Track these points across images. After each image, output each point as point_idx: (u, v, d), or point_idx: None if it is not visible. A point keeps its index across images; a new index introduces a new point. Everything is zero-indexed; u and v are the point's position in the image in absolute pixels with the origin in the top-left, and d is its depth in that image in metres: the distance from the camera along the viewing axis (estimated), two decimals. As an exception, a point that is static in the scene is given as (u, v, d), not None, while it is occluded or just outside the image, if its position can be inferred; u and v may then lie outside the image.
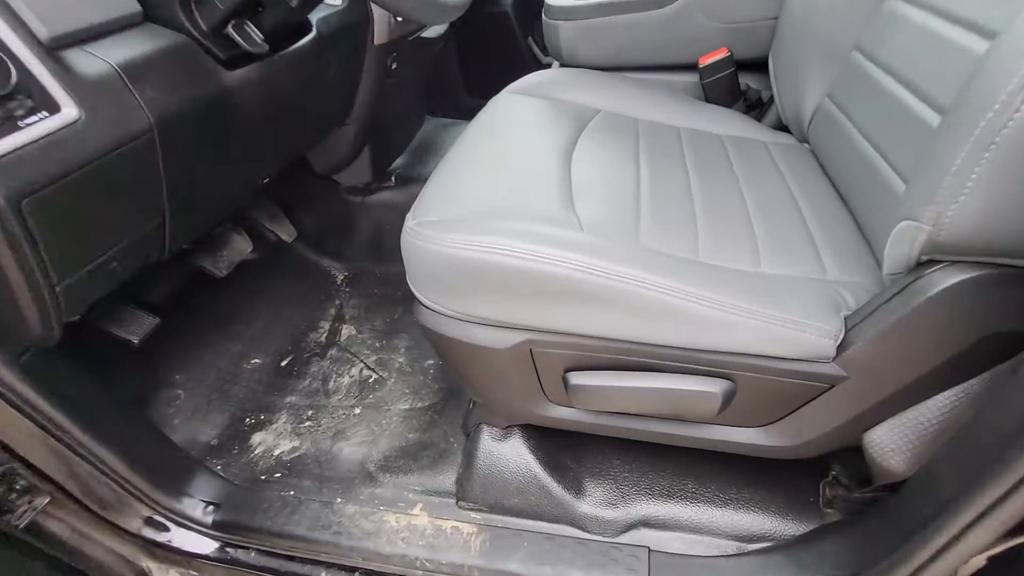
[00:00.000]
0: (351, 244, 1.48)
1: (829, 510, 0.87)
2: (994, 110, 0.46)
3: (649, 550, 0.84)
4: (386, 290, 1.38)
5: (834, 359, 0.65)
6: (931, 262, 0.58)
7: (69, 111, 0.67)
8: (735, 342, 0.65)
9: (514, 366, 0.75)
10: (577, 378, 0.72)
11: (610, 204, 0.78)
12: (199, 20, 0.83)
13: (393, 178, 1.54)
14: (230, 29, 0.84)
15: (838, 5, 0.96)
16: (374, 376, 1.16)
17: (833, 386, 0.67)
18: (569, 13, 1.26)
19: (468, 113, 1.01)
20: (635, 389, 0.70)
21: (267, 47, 0.88)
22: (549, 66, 1.41)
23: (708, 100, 1.20)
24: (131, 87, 0.72)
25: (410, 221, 0.73)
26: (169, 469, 0.94)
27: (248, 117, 0.93)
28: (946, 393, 0.64)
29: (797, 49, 1.06)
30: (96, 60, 0.70)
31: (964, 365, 0.62)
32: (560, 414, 0.82)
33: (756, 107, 1.20)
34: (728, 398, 0.69)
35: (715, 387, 0.69)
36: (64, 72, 0.67)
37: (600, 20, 1.23)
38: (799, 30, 1.06)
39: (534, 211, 0.73)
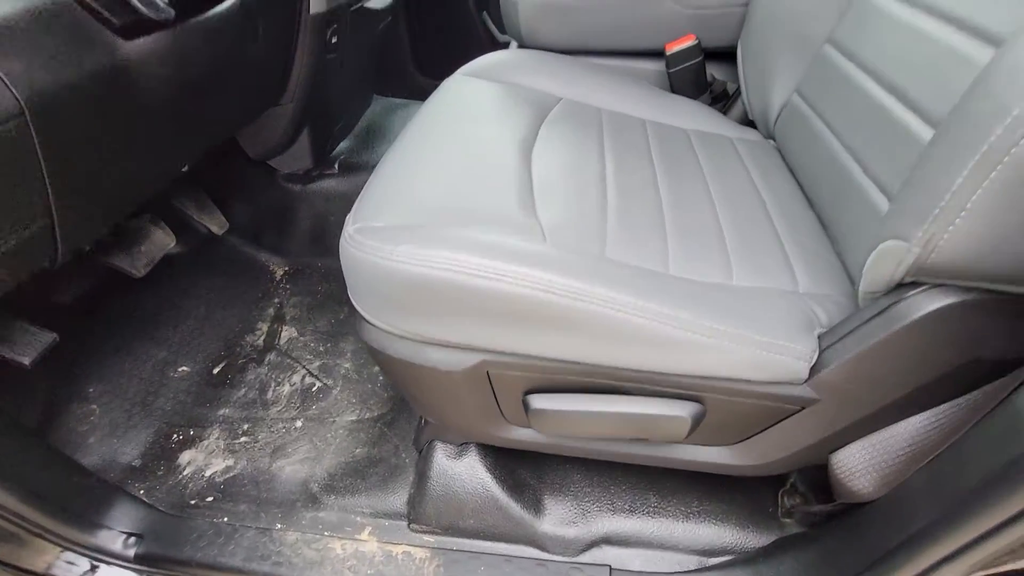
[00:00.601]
0: (291, 236, 1.38)
1: (788, 520, 0.87)
2: (1005, 125, 0.42)
3: (611, 569, 0.82)
4: (330, 287, 1.29)
5: (806, 381, 0.62)
6: (914, 283, 0.54)
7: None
8: (706, 365, 0.62)
9: (469, 388, 0.69)
10: (538, 401, 0.67)
11: (575, 207, 0.72)
12: None
13: (336, 164, 1.44)
14: None
15: (810, -7, 0.92)
16: (318, 384, 1.08)
17: (803, 408, 0.64)
18: (529, -12, 1.17)
19: (419, 93, 0.92)
20: (600, 414, 0.66)
21: (172, 12, 0.75)
22: (506, 45, 1.32)
23: (674, 90, 1.15)
24: None
25: (350, 227, 0.64)
26: (79, 498, 0.85)
27: (155, 96, 0.80)
28: (920, 416, 0.62)
29: (766, 39, 1.02)
30: None
31: (943, 389, 0.59)
32: (519, 435, 0.77)
33: (722, 99, 1.16)
34: (697, 421, 0.66)
35: (684, 411, 0.65)
36: None
37: (563, -2, 1.15)
38: (769, 18, 1.02)
39: (492, 216, 0.66)
